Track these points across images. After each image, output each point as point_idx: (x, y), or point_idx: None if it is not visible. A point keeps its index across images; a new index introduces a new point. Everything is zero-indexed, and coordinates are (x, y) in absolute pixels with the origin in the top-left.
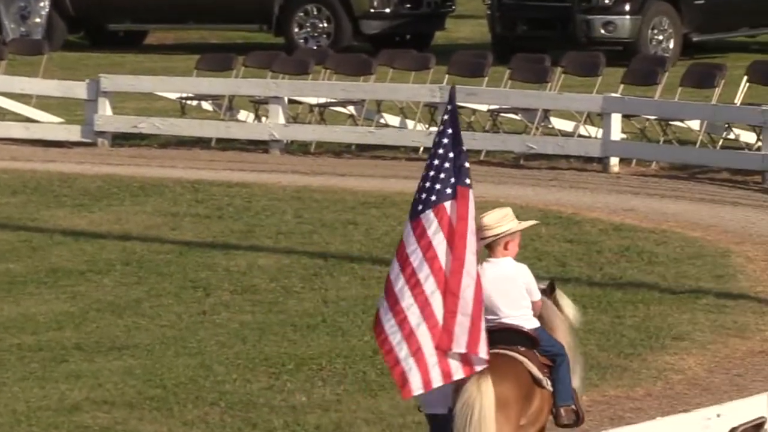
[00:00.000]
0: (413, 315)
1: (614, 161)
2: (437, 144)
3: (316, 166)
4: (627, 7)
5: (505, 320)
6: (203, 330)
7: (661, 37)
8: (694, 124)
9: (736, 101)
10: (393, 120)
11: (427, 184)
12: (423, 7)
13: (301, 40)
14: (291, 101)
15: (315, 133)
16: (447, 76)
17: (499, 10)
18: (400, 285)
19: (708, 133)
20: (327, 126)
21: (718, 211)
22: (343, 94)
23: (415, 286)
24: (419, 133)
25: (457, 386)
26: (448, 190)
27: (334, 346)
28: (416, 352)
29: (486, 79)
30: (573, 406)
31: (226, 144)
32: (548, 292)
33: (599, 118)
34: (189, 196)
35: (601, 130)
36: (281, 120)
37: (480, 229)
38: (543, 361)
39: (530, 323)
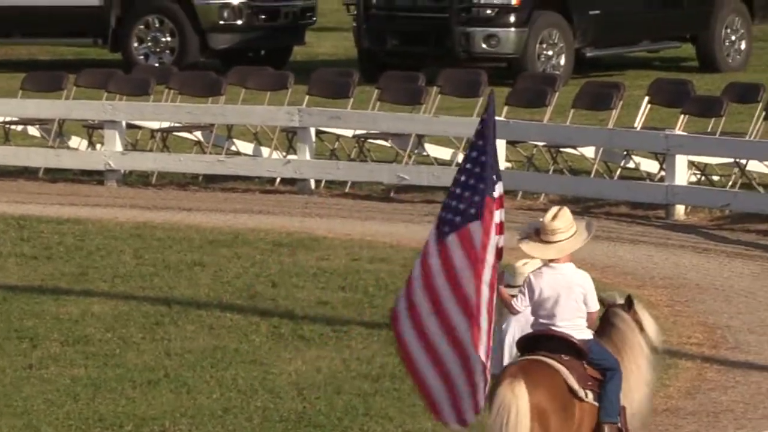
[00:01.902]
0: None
1: None
2: (466, 158)
3: (158, 200)
4: (512, 19)
5: (555, 328)
6: (29, 386)
7: (550, 53)
8: (589, 152)
9: (636, 125)
10: (246, 147)
11: (453, 203)
12: (280, 18)
13: (141, 57)
14: (129, 126)
15: (157, 162)
16: (307, 96)
17: (366, 22)
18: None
19: (604, 161)
20: (170, 154)
21: (615, 250)
22: (188, 117)
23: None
24: (275, 161)
25: (490, 392)
26: (472, 210)
27: (179, 404)
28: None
29: (351, 100)
30: (618, 424)
31: (55, 174)
32: (626, 307)
33: None
34: (13, 234)
35: None
36: (118, 147)
37: (552, 232)
38: (591, 373)
39: (582, 334)
